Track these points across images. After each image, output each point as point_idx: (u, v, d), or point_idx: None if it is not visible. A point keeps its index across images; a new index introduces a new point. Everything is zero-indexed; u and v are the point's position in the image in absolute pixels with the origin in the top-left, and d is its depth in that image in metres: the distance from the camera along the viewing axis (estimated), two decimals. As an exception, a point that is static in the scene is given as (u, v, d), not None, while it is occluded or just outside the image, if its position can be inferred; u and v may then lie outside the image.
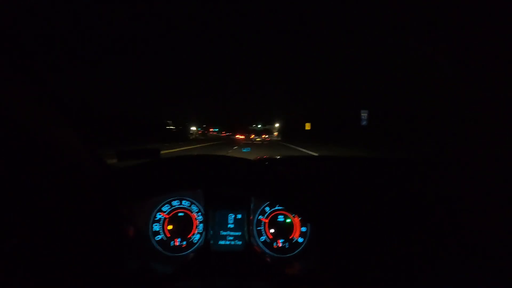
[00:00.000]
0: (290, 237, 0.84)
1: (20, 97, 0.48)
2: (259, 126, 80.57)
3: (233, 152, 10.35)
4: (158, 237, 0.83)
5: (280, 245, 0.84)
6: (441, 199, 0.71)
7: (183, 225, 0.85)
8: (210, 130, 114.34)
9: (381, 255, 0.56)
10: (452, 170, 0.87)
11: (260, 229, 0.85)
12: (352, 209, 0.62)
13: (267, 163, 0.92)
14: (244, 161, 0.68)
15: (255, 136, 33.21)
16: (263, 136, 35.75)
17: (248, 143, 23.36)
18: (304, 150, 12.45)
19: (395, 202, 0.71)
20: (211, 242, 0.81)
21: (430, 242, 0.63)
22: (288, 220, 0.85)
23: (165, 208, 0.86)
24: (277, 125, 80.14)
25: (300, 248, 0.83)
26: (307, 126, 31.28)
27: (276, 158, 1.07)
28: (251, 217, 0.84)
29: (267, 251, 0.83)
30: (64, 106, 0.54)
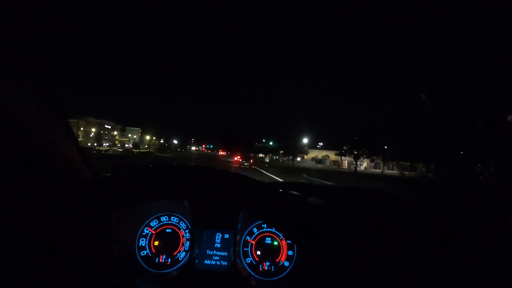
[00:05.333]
0: (277, 260, 0.84)
1: (21, 97, 0.47)
2: (271, 143, 56.81)
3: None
4: (143, 253, 0.83)
5: (266, 268, 0.83)
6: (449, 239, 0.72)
7: (169, 241, 0.84)
8: (203, 146, 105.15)
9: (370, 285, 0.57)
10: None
11: (247, 250, 0.85)
12: (344, 239, 0.61)
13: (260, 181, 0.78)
14: (236, 174, 0.63)
15: (242, 159, 21.93)
16: (252, 160, 22.62)
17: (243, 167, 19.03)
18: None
19: (394, 236, 0.72)
20: (196, 261, 0.80)
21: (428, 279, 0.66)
22: (275, 243, 0.85)
23: (153, 223, 0.86)
24: (305, 140, 46.41)
25: (286, 272, 0.82)
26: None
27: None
28: (238, 238, 0.83)
29: (252, 273, 0.83)
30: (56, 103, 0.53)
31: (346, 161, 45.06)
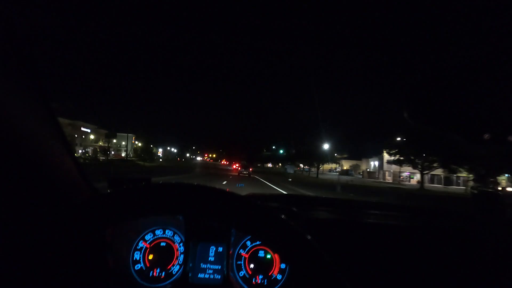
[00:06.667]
0: (270, 274, 0.85)
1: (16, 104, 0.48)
2: (281, 151, 48.68)
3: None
4: (137, 266, 0.83)
5: (259, 281, 0.84)
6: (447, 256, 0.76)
7: (164, 255, 0.85)
8: (206, 155, 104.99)
9: None
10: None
11: (240, 264, 0.86)
12: (337, 253, 0.62)
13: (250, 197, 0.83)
14: (226, 192, 0.67)
15: (241, 168, 24.60)
16: (251, 169, 24.43)
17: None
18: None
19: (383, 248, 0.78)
20: (190, 274, 0.81)
21: None
22: (268, 256, 0.86)
23: (148, 236, 0.87)
24: (326, 146, 36.95)
25: (278, 286, 0.83)
26: None
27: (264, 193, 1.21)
28: (231, 251, 0.85)
29: (245, 286, 0.84)
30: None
31: (387, 173, 34.15)
